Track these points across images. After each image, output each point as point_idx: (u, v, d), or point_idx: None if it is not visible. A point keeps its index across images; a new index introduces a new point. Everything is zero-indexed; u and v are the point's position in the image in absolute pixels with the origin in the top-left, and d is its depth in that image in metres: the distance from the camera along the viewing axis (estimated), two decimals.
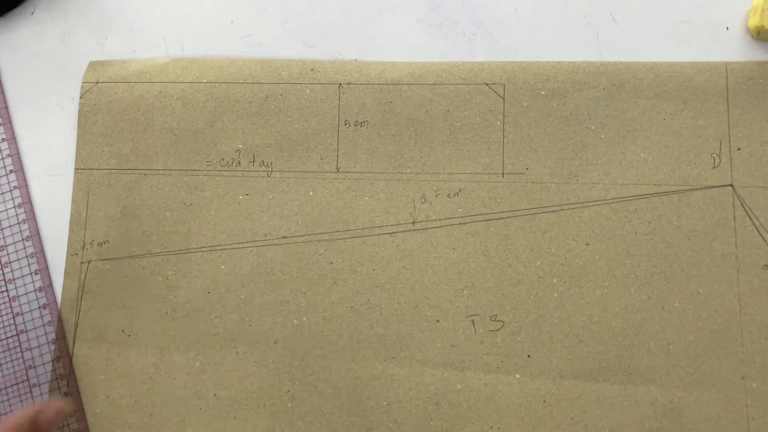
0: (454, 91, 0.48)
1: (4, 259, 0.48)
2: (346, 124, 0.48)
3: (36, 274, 0.48)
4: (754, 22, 0.46)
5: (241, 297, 0.46)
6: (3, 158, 0.50)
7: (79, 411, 0.45)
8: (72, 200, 0.49)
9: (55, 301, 0.47)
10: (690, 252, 0.45)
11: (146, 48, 0.50)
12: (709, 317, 0.44)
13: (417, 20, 0.49)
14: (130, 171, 0.49)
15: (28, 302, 0.47)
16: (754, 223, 0.45)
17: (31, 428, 0.36)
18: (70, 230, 0.48)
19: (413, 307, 0.46)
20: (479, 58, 0.48)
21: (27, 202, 0.49)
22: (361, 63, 0.49)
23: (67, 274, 0.47)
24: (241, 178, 0.48)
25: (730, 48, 0.47)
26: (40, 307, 0.47)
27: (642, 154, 0.46)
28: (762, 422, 0.43)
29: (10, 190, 0.49)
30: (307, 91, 0.49)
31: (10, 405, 0.46)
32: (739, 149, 0.46)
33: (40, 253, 0.48)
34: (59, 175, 0.49)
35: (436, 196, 0.47)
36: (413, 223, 0.47)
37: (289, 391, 0.45)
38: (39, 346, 0.47)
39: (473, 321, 0.45)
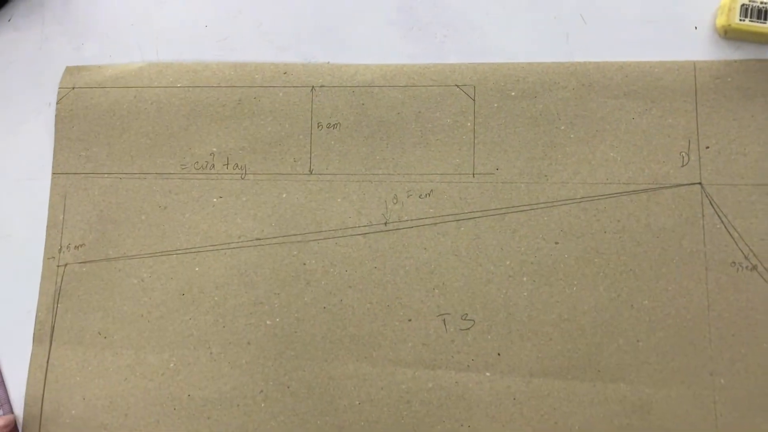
0: (425, 92, 0.50)
1: None
2: (318, 127, 0.51)
3: None
4: (721, 21, 0.48)
5: (215, 298, 0.49)
6: None
7: None
8: (49, 204, 0.51)
9: None
10: (659, 250, 0.47)
11: (122, 53, 0.53)
12: (678, 314, 0.46)
13: (388, 22, 0.52)
14: (106, 175, 0.52)
15: None
16: (722, 221, 0.47)
17: None
18: (47, 234, 0.51)
19: (385, 307, 0.48)
20: (450, 59, 0.51)
21: None
22: (334, 65, 0.51)
23: (44, 277, 0.50)
24: (215, 181, 0.51)
25: (699, 47, 0.49)
26: None
27: (611, 154, 0.48)
28: (730, 418, 0.45)
29: None
30: (280, 94, 0.51)
31: None
32: (707, 147, 0.48)
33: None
34: (37, 180, 0.52)
35: (408, 196, 0.49)
36: (385, 223, 0.49)
37: (262, 391, 0.48)
38: None
39: (444, 320, 0.48)
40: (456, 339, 0.47)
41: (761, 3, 0.47)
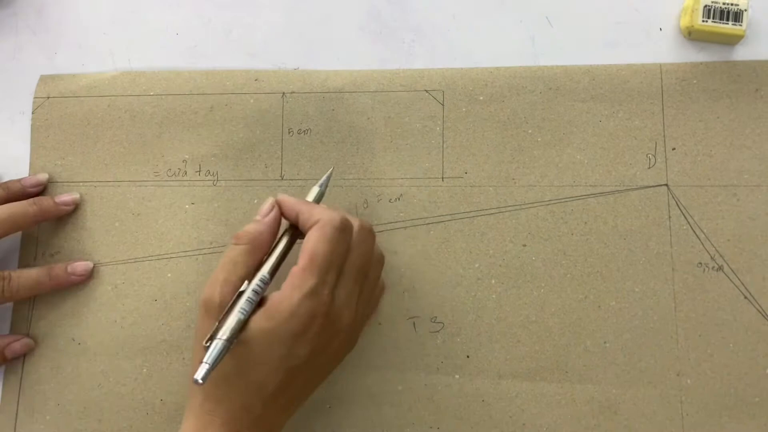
0: (394, 98, 0.51)
1: None
2: (289, 133, 0.51)
3: None
4: (685, 22, 0.49)
5: (188, 304, 0.50)
6: None
7: None
8: None
9: None
10: (626, 251, 0.48)
11: (94, 61, 0.54)
12: (645, 315, 0.47)
13: (357, 28, 0.52)
14: (81, 183, 0.53)
15: None
16: (688, 222, 0.48)
17: None
18: (22, 241, 0.52)
19: None
20: (418, 64, 0.51)
21: None
22: (304, 72, 0.52)
23: None
24: (187, 188, 0.51)
25: (664, 48, 0.50)
26: None
27: (578, 156, 0.49)
28: (696, 418, 0.45)
29: None
30: (251, 101, 0.52)
31: None
32: (673, 149, 0.49)
33: None
34: None
35: (378, 201, 0.50)
36: None
37: None
38: None
39: (414, 323, 0.48)
40: (425, 342, 0.48)
41: (723, 4, 0.47)
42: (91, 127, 0.53)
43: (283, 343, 0.37)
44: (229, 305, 0.38)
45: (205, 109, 0.52)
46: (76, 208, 0.52)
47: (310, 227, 0.40)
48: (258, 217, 0.42)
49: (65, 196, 0.51)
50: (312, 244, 0.39)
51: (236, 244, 0.40)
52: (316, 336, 0.38)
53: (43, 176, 0.52)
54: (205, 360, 0.35)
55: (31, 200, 0.50)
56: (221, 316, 0.37)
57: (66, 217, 0.52)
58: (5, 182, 0.51)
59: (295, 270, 0.38)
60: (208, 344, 0.36)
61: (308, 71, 0.52)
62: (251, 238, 0.41)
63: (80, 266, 0.50)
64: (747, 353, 0.46)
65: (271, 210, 0.42)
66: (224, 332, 0.36)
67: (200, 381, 0.34)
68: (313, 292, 0.38)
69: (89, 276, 0.50)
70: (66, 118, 0.53)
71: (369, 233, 0.42)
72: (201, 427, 0.38)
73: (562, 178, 0.49)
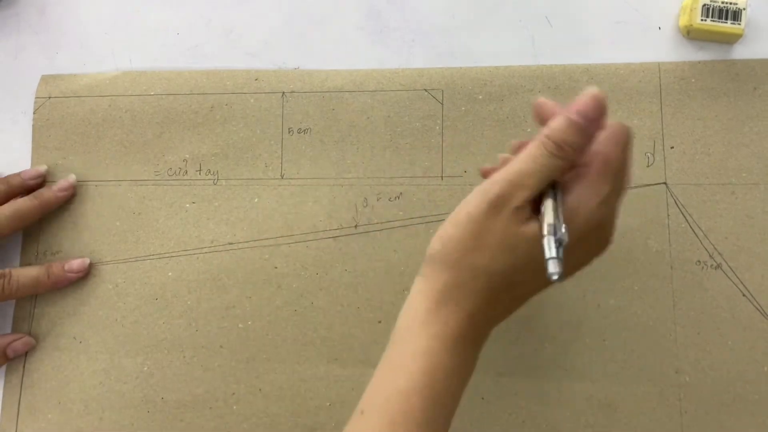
0: (394, 97, 0.51)
1: None
2: (289, 132, 0.52)
3: None
4: (684, 21, 0.49)
5: (188, 303, 0.50)
6: None
7: None
8: None
9: None
10: (625, 249, 0.48)
11: (95, 61, 0.54)
12: (644, 313, 0.47)
13: (357, 28, 0.53)
14: (82, 183, 0.53)
15: None
16: (687, 220, 0.48)
17: None
18: (24, 240, 0.52)
19: (355, 309, 0.49)
20: (418, 63, 0.52)
21: None
22: (304, 71, 0.52)
23: None
24: (188, 187, 0.52)
25: (663, 47, 0.50)
26: None
27: None
28: (695, 415, 0.46)
29: None
30: (252, 101, 0.52)
31: None
32: (672, 148, 0.49)
33: None
34: None
35: (378, 200, 0.50)
36: (355, 226, 0.50)
37: (234, 393, 0.48)
38: None
39: None
40: None
41: (722, 3, 0.47)
42: (92, 126, 0.53)
43: (572, 248, 0.34)
44: (542, 206, 0.34)
45: (205, 109, 0.52)
46: (74, 191, 0.52)
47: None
48: (574, 118, 0.36)
49: (61, 182, 0.52)
50: (605, 147, 0.35)
51: (551, 153, 0.35)
52: (596, 242, 0.36)
53: (42, 168, 0.52)
54: (554, 255, 0.32)
55: (31, 195, 0.51)
56: (533, 214, 0.34)
57: (67, 216, 0.52)
58: (5, 177, 0.52)
59: (591, 174, 0.35)
60: (552, 237, 0.33)
61: (308, 71, 0.52)
62: (569, 151, 0.35)
63: (76, 263, 0.50)
64: (745, 351, 0.46)
65: (592, 106, 0.36)
66: (561, 228, 0.33)
67: (556, 276, 0.32)
68: (606, 200, 0.35)
69: (87, 272, 0.51)
70: (67, 117, 0.54)
71: None
72: (441, 306, 0.37)
73: None
